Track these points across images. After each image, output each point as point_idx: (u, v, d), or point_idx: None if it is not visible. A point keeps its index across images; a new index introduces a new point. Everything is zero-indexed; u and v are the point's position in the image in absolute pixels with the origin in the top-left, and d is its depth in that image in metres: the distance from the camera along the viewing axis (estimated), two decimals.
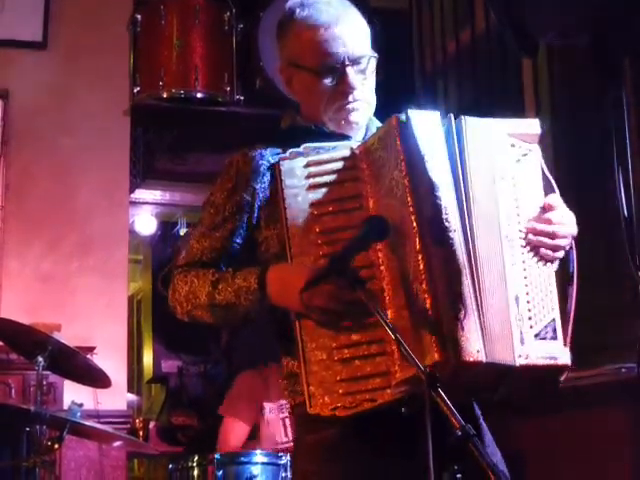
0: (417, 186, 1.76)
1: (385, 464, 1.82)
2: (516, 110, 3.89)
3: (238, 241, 1.98)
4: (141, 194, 6.02)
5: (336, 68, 1.95)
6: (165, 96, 4.73)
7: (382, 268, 1.78)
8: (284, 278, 1.84)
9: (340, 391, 1.75)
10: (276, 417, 4.01)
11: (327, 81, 1.96)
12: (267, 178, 1.96)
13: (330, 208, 1.84)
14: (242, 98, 4.81)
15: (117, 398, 4.46)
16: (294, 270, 1.82)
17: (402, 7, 5.07)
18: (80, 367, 3.63)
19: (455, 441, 1.52)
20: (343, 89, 1.96)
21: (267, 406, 4.02)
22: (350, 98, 1.97)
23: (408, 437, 1.75)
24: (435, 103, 4.56)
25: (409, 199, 1.75)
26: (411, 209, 1.74)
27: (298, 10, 2.01)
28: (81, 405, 3.47)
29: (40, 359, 3.46)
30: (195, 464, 3.52)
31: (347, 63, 1.95)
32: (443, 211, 1.74)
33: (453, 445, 1.52)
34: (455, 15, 4.62)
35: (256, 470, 3.42)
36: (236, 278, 1.90)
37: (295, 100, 2.07)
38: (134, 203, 5.30)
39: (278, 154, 1.91)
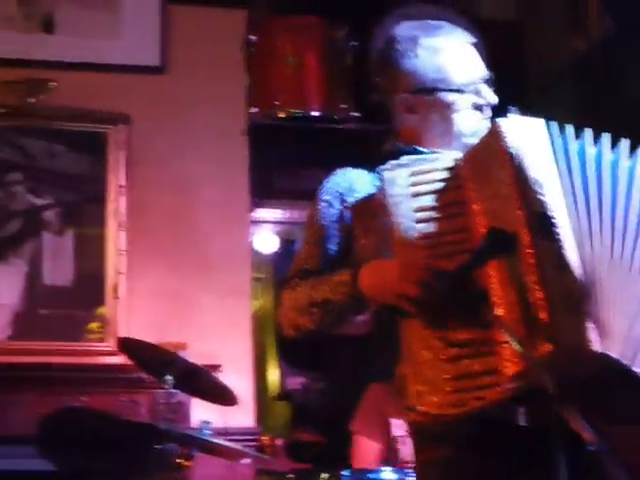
0: (523, 183, 1.75)
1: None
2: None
3: (335, 249, 2.04)
4: (261, 213, 6.07)
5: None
6: (281, 115, 4.77)
7: (489, 267, 1.75)
8: (378, 269, 1.88)
9: (447, 389, 1.72)
10: (404, 433, 3.97)
11: None
12: (364, 192, 2.03)
13: (433, 214, 1.84)
14: (358, 115, 4.82)
15: (244, 415, 4.50)
16: (388, 263, 1.85)
17: (511, 18, 5.02)
18: (207, 385, 3.67)
19: (589, 456, 1.47)
20: None
21: (394, 422, 3.98)
22: None
23: (527, 450, 1.72)
24: (547, 113, 4.47)
25: (516, 195, 1.74)
26: (518, 204, 1.73)
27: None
28: (209, 423, 3.51)
29: (168, 377, 3.52)
30: None
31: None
32: (548, 206, 1.72)
33: (586, 461, 1.48)
34: (568, 24, 4.53)
35: None
36: (332, 276, 1.96)
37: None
38: (254, 222, 5.35)
39: (375, 170, 1.95)
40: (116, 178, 4.65)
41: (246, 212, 4.94)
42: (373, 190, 1.97)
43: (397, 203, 1.85)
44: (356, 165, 2.11)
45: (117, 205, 4.62)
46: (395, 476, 3.43)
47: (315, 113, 4.81)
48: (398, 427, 3.97)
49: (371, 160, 2.06)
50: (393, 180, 1.87)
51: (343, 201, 2.04)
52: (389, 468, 3.52)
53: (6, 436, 4.21)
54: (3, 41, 4.64)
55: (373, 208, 1.92)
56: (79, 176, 4.65)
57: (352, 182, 2.06)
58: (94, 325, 4.54)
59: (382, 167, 1.90)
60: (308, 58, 4.83)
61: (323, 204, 2.06)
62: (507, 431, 1.75)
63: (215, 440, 3.52)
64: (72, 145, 4.65)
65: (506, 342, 1.64)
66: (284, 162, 5.48)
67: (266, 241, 6.71)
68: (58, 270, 4.55)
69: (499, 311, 1.71)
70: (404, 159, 1.90)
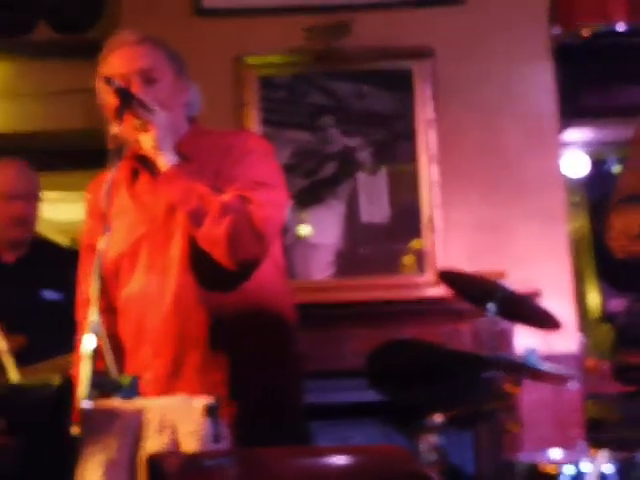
0: None
1: None
2: None
3: None
4: (569, 135, 5.94)
5: None
6: (585, 34, 4.64)
7: None
8: None
9: None
10: None
11: None
12: None
13: None
14: None
15: (567, 340, 4.46)
16: None
17: None
18: (529, 311, 3.66)
19: None
20: None
21: None
22: None
23: None
24: None
25: None
26: None
27: None
28: (534, 349, 3.50)
29: (490, 306, 3.54)
30: None
31: None
32: None
33: None
34: None
35: None
36: None
37: None
38: (564, 144, 5.24)
39: None
40: (424, 112, 4.70)
41: (556, 134, 4.84)
42: None
43: None
44: None
45: (427, 139, 4.67)
46: None
47: (620, 28, 4.63)
48: None
49: None
50: None
51: None
52: None
53: (336, 370, 4.42)
54: None
55: None
56: (388, 114, 4.74)
57: None
58: (411, 258, 4.65)
59: None
60: None
61: None
62: None
63: (541, 366, 3.51)
64: (378, 84, 4.74)
65: None
66: (590, 80, 5.31)
67: (577, 163, 6.56)
68: (374, 208, 4.69)
69: None
70: None
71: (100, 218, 2.28)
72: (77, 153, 5.38)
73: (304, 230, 4.65)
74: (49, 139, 5.35)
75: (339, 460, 1.60)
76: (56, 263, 3.86)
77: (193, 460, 1.68)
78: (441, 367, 3.80)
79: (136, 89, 2.49)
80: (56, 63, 5.29)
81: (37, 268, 3.87)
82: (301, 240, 4.61)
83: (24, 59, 5.38)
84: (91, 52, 5.14)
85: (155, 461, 1.68)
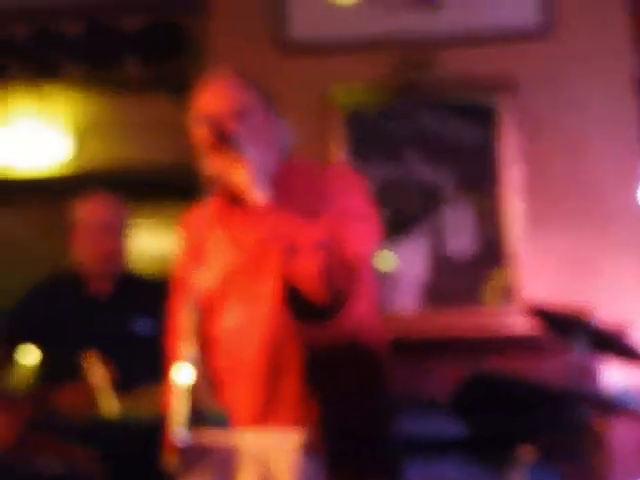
0: None
1: None
2: None
3: None
4: None
5: None
6: None
7: None
8: None
9: None
10: None
11: None
12: None
13: None
14: None
15: None
16: None
17: None
18: (617, 346, 3.60)
19: None
20: None
21: None
22: None
23: None
24: None
25: None
26: None
27: None
28: (625, 386, 3.45)
29: (578, 340, 3.50)
30: None
31: None
32: None
33: None
34: None
35: None
36: None
37: None
38: None
39: None
40: (509, 145, 4.68)
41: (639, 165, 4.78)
42: None
43: None
44: None
45: (512, 171, 4.65)
46: None
47: None
48: None
49: None
50: None
51: None
52: None
53: (421, 402, 4.39)
54: (392, 22, 4.82)
55: None
56: (472, 146, 4.73)
57: None
58: (496, 291, 4.62)
59: None
60: None
61: None
62: None
63: (632, 403, 3.46)
64: (463, 116, 4.74)
65: None
66: None
67: None
68: (458, 240, 4.67)
69: None
70: None
71: (193, 252, 2.32)
72: (166, 185, 5.47)
73: (388, 263, 4.65)
74: (138, 172, 5.44)
75: None
76: (146, 297, 3.92)
77: None
78: (527, 402, 3.76)
79: (229, 127, 2.53)
80: (143, 97, 5.39)
81: (128, 302, 3.93)
82: (386, 273, 4.61)
83: (112, 94, 5.49)
84: (177, 86, 5.27)
85: None
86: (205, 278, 2.55)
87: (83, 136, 5.50)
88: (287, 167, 2.69)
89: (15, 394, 3.87)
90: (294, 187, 2.61)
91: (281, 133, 2.72)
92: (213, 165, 2.44)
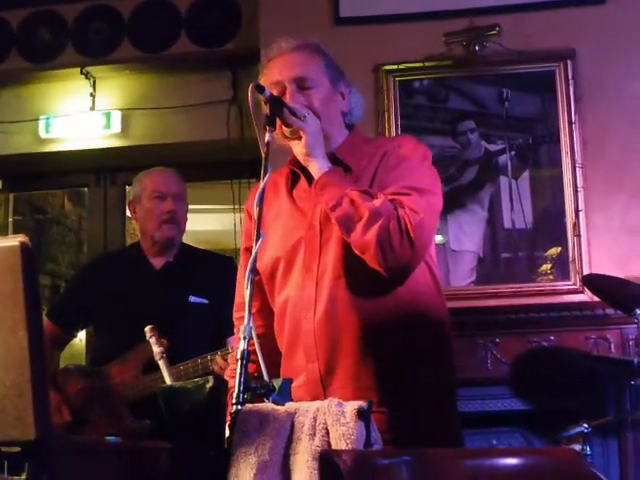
0: None
1: None
2: None
3: None
4: None
5: None
6: None
7: None
8: None
9: None
10: None
11: None
12: None
13: None
14: None
15: None
16: None
17: None
18: None
19: None
20: None
21: None
22: None
23: None
24: None
25: None
26: None
27: None
28: None
29: (637, 312, 3.45)
30: None
31: None
32: None
33: None
34: None
35: None
36: None
37: None
38: None
39: None
40: (566, 115, 4.61)
41: None
42: None
43: None
44: None
45: (570, 142, 4.58)
46: None
47: None
48: None
49: None
50: None
51: None
52: None
53: (480, 378, 4.36)
54: None
55: None
56: (529, 117, 4.67)
57: None
58: (555, 264, 4.55)
59: None
60: None
61: None
62: None
63: None
64: (520, 87, 4.68)
65: None
66: None
67: None
68: (516, 213, 4.61)
69: None
70: None
71: (259, 224, 2.30)
72: (218, 164, 5.49)
73: (443, 237, 4.61)
74: (191, 150, 5.46)
75: (509, 461, 1.57)
76: (202, 269, 3.94)
77: (366, 458, 1.67)
78: (587, 375, 3.73)
79: (288, 96, 2.51)
80: (196, 75, 5.40)
81: (184, 273, 3.95)
82: (442, 247, 4.56)
83: (166, 73, 5.51)
84: (230, 64, 5.27)
85: (328, 458, 1.68)
86: (269, 248, 2.55)
87: (134, 114, 5.52)
88: (353, 139, 2.67)
89: (71, 370, 3.92)
90: (359, 158, 2.59)
91: (349, 104, 2.69)
92: (271, 137, 2.42)
